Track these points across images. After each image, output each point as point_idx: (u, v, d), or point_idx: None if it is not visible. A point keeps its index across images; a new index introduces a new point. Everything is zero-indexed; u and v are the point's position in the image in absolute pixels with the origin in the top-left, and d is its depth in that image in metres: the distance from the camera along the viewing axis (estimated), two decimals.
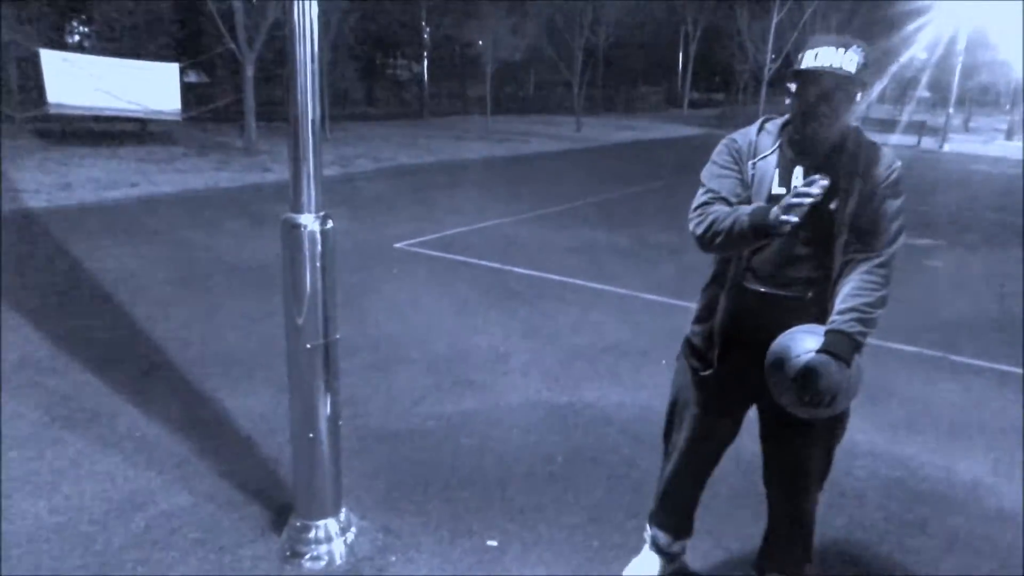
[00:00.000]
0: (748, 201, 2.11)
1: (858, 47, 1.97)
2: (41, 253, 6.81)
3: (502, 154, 17.50)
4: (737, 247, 2.08)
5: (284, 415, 3.28)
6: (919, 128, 26.54)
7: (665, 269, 7.25)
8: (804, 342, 1.98)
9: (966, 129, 35.15)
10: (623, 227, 9.27)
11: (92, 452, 3.38)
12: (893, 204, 2.07)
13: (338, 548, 2.76)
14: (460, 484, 3.27)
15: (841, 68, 1.95)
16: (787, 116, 2.16)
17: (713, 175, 2.19)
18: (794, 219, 1.86)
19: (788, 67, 2.33)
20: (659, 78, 45.52)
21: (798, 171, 2.10)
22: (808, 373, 1.93)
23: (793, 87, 2.06)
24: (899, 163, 2.11)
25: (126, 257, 6.74)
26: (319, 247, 2.49)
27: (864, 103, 2.10)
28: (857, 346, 1.98)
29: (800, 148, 2.11)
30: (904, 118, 30.49)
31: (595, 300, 6.14)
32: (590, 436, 3.78)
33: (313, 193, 2.47)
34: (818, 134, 2.05)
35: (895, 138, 25.82)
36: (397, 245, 7.68)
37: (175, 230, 7.98)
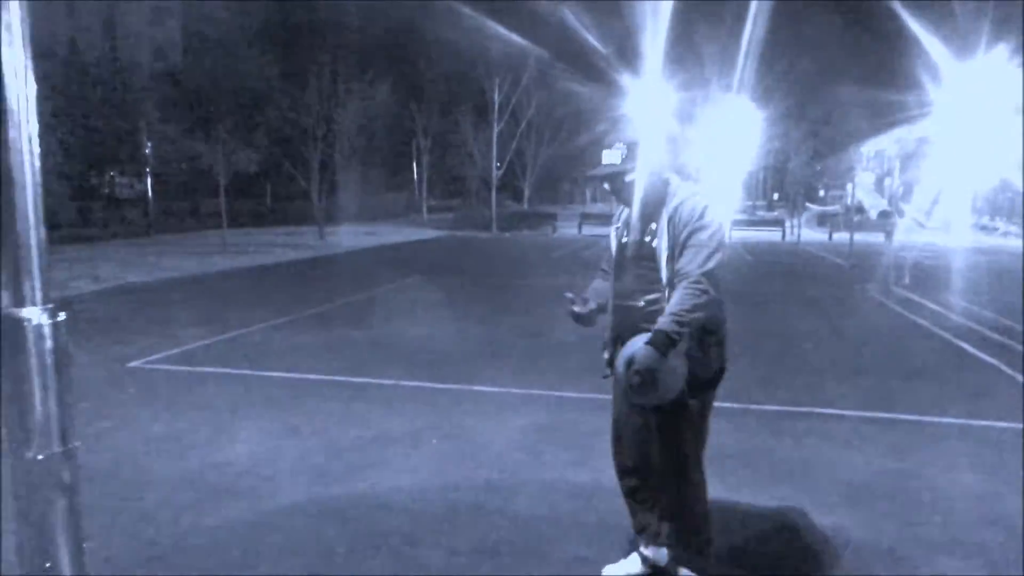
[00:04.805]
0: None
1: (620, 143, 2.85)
2: None
3: (242, 265, 16.83)
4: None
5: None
6: None
7: (422, 356, 7.37)
8: (636, 343, 2.65)
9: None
10: (375, 324, 9.32)
11: None
12: (701, 235, 2.70)
13: None
14: None
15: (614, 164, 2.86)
16: None
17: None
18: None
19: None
20: (400, 186, 47.08)
21: (626, 213, 2.96)
22: (631, 360, 2.61)
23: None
24: (705, 203, 2.75)
25: None
26: (49, 343, 2.24)
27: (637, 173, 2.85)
28: (672, 341, 2.60)
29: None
30: None
31: (357, 393, 6.06)
32: (368, 523, 3.68)
33: (37, 283, 2.24)
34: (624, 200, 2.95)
35: None
36: (132, 364, 6.99)
37: None
